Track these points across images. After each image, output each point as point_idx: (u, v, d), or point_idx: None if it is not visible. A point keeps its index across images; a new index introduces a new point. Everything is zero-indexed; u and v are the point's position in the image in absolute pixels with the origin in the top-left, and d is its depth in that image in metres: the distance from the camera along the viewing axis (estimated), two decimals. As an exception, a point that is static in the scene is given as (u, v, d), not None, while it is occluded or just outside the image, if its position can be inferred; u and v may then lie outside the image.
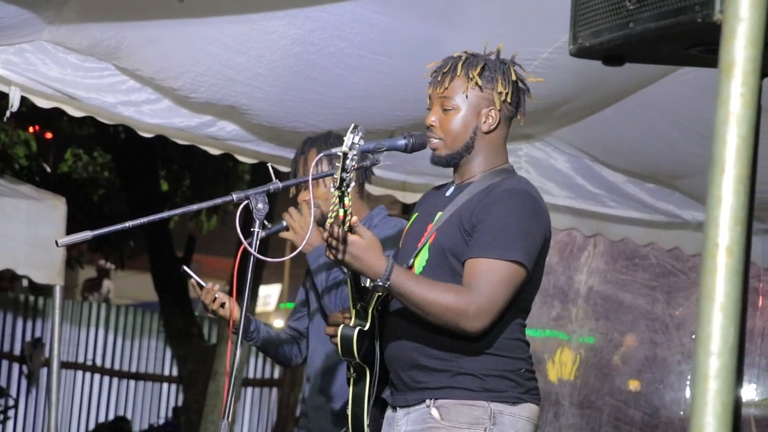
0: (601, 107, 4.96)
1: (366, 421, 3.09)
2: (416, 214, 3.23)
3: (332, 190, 2.78)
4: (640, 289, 6.78)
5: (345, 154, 2.72)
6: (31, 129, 10.98)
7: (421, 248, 3.07)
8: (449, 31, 4.12)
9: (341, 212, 2.79)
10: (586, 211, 5.82)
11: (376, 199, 6.88)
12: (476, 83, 3.05)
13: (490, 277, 2.91)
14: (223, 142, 5.07)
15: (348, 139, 2.73)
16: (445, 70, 3.09)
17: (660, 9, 2.15)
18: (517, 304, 3.04)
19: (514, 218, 2.95)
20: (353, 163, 2.73)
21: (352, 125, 2.76)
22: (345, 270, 3.67)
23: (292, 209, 3.63)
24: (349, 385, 3.14)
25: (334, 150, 3.18)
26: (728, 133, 1.44)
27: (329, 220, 2.83)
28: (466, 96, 3.07)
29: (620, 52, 2.39)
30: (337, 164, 2.74)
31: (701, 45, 2.23)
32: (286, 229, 3.60)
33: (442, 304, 2.89)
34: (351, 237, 2.87)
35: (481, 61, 3.08)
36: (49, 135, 11.54)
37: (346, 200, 2.77)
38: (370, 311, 3.07)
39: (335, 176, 2.75)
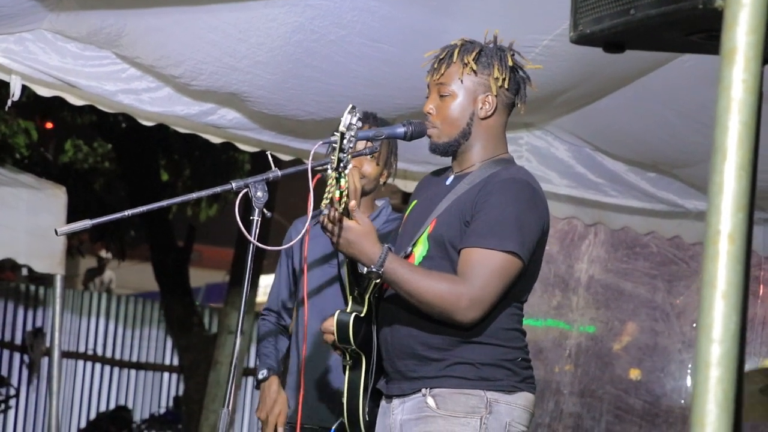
0: (601, 95, 4.96)
1: (361, 410, 3.08)
2: (415, 201, 3.23)
3: (329, 171, 2.77)
4: (640, 277, 6.77)
5: (342, 134, 2.72)
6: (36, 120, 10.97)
7: (420, 237, 3.06)
8: (449, 19, 4.11)
9: (337, 194, 2.79)
10: (586, 200, 5.82)
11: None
12: (471, 69, 3.05)
13: (484, 268, 2.91)
14: (224, 130, 5.07)
15: (345, 119, 2.73)
16: (441, 57, 3.09)
17: (661, -5, 2.14)
18: (514, 294, 3.04)
19: (511, 208, 2.95)
20: (351, 145, 2.73)
21: (350, 106, 2.76)
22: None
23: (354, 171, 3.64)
24: (344, 373, 3.13)
25: (333, 139, 3.19)
26: (730, 120, 1.44)
27: (324, 201, 2.82)
28: (462, 82, 3.06)
29: (621, 39, 2.38)
30: (335, 145, 2.74)
31: (703, 31, 2.22)
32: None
33: (436, 294, 2.89)
34: (348, 222, 2.88)
35: (477, 47, 3.09)
36: (49, 125, 11.53)
37: (343, 182, 2.77)
38: (367, 298, 3.07)
39: (332, 157, 2.74)
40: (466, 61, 3.06)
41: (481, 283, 2.90)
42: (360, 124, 2.78)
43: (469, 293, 2.89)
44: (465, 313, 2.90)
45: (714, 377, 1.40)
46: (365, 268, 2.93)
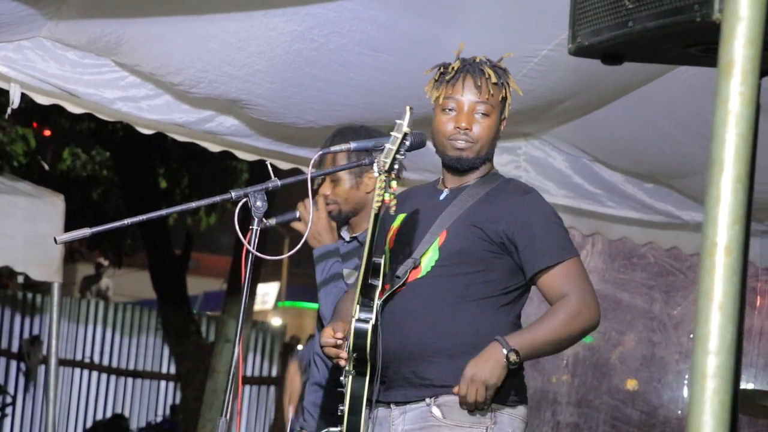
0: (599, 105, 4.97)
1: (363, 420, 3.05)
2: (403, 215, 3.22)
3: (376, 174, 2.80)
4: (638, 288, 6.78)
5: (405, 135, 2.77)
6: (34, 124, 10.96)
7: (429, 248, 3.08)
8: (448, 28, 4.12)
9: (386, 197, 2.81)
10: (584, 211, 5.82)
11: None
12: (509, 91, 3.15)
13: (574, 276, 3.07)
14: (222, 138, 5.07)
15: (407, 119, 2.77)
16: (482, 76, 3.10)
17: (659, 8, 2.15)
18: (517, 306, 3.13)
19: (554, 219, 3.14)
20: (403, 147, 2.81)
21: (408, 107, 2.80)
22: (342, 268, 3.67)
23: (306, 201, 3.61)
24: (345, 382, 3.10)
25: (334, 148, 3.19)
26: (727, 132, 1.44)
27: (376, 204, 2.84)
28: (501, 103, 3.15)
29: (619, 50, 2.40)
30: (390, 146, 2.77)
31: (700, 44, 2.23)
32: (298, 219, 3.58)
33: (565, 327, 3.03)
34: (471, 371, 2.94)
35: (506, 71, 3.16)
36: (47, 132, 11.52)
37: (394, 184, 2.80)
38: (375, 306, 3.05)
39: (383, 159, 2.77)
40: (509, 84, 3.15)
41: (582, 290, 3.06)
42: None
43: (582, 302, 3.04)
44: (592, 320, 3.06)
45: (710, 388, 1.41)
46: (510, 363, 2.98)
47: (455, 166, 3.15)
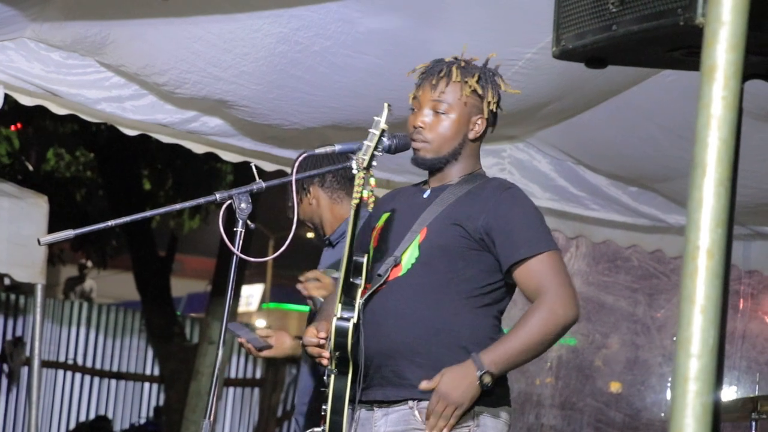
0: (584, 108, 4.98)
1: (346, 420, 3.05)
2: (387, 213, 3.23)
3: (355, 171, 2.81)
4: (621, 291, 6.80)
5: (383, 132, 2.78)
6: (13, 127, 10.91)
7: (409, 246, 3.09)
8: (433, 31, 4.12)
9: (365, 194, 2.82)
10: (568, 213, 5.83)
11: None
12: (473, 90, 3.09)
13: (549, 271, 3.02)
14: (206, 138, 5.06)
15: (384, 117, 2.78)
16: (441, 75, 3.11)
17: (643, 12, 2.16)
18: (500, 304, 3.12)
19: (533, 213, 3.10)
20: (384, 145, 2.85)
21: (386, 104, 2.81)
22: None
23: (266, 332, 3.69)
24: (327, 382, 3.10)
25: (318, 150, 3.19)
26: (709, 137, 1.45)
27: (354, 201, 2.85)
28: (464, 102, 3.11)
29: (603, 54, 2.40)
30: (369, 143, 2.78)
31: (684, 48, 2.24)
32: (270, 346, 3.65)
33: (539, 330, 2.98)
34: (439, 393, 2.92)
35: (477, 69, 3.13)
36: (14, 127, 11.43)
37: (372, 181, 2.81)
38: (357, 304, 3.05)
39: (362, 156, 2.78)
40: (470, 83, 3.11)
41: (557, 284, 3.01)
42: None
43: (557, 299, 2.99)
44: (567, 317, 2.99)
45: (692, 391, 1.41)
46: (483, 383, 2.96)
47: (417, 167, 3.17)
